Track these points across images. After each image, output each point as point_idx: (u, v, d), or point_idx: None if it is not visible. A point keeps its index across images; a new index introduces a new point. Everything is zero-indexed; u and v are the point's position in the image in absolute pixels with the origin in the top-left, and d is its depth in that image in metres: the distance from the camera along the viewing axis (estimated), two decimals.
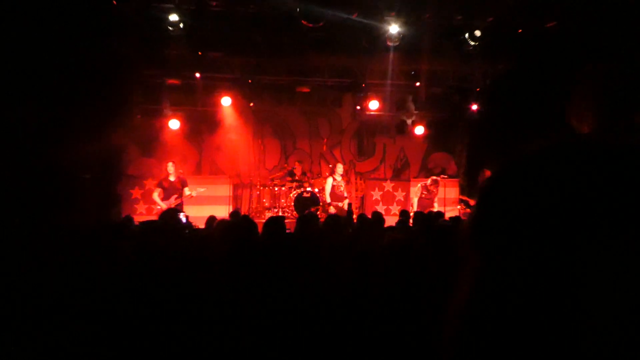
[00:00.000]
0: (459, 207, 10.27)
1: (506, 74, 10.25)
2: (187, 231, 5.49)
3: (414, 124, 11.88)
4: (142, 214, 10.27)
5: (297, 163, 11.36)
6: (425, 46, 9.65)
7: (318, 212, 9.70)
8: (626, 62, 1.53)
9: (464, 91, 11.49)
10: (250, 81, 10.94)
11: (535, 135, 0.61)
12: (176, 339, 2.40)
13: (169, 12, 8.82)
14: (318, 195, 10.66)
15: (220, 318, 2.54)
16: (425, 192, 10.16)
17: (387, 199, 11.78)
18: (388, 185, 11.88)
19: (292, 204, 10.61)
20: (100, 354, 2.34)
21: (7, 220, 5.51)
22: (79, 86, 8.10)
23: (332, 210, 9.90)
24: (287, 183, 11.03)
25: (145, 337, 2.39)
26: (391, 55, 9.91)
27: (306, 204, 10.38)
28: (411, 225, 7.12)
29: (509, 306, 0.50)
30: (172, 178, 9.33)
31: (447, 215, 8.19)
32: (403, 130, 12.17)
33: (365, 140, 12.65)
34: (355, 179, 12.34)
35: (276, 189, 11.16)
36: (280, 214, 10.61)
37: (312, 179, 11.47)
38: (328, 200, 10.21)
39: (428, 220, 6.32)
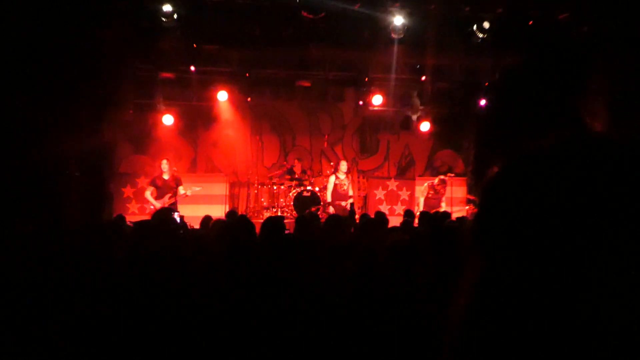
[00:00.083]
0: (467, 207, 10.26)
1: (516, 68, 10.23)
2: (181, 232, 5.50)
3: (419, 119, 11.86)
4: (134, 214, 10.27)
5: (296, 160, 11.36)
6: (431, 38, 9.63)
7: (319, 212, 9.71)
8: None
9: (471, 86, 11.46)
10: (247, 75, 10.92)
11: (547, 131, 0.62)
12: (169, 344, 2.41)
13: (162, 2, 8.81)
14: (319, 194, 10.66)
15: (215, 323, 2.55)
16: (433, 192, 10.15)
17: (391, 198, 11.77)
18: (392, 184, 11.88)
19: (292, 203, 10.62)
20: (93, 358, 2.35)
21: None
22: (67, 80, 8.08)
23: (331, 210, 9.89)
24: (286, 181, 11.03)
25: (137, 343, 2.40)
26: (395, 48, 9.89)
27: (306, 203, 10.38)
28: (416, 226, 7.12)
29: (511, 307, 0.50)
30: (165, 176, 9.33)
31: (454, 215, 8.21)
32: (408, 126, 12.15)
33: (368, 136, 12.65)
34: (358, 178, 12.34)
35: (275, 187, 11.17)
36: (279, 213, 10.62)
37: (313, 177, 11.48)
38: (329, 199, 10.20)
39: (434, 220, 6.33)
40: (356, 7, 8.86)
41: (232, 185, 11.72)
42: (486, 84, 11.31)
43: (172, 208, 8.84)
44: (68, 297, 2.65)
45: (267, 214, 10.76)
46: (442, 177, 10.32)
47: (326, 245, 3.75)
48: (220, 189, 11.06)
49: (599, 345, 0.45)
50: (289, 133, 12.36)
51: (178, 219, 7.07)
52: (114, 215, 9.28)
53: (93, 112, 9.04)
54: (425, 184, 10.34)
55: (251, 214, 11.19)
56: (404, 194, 11.78)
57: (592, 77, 1.60)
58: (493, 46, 9.66)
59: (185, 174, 10.59)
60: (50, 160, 7.78)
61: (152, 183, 9.37)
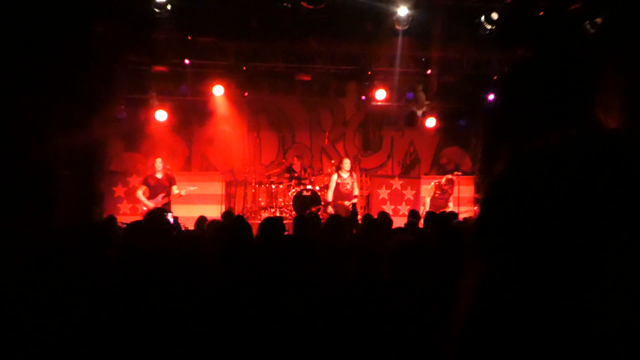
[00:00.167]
0: (475, 207, 10.25)
1: (526, 61, 10.23)
2: (175, 233, 5.50)
3: (424, 115, 11.85)
4: (125, 214, 10.28)
5: (296, 158, 11.36)
6: (437, 30, 9.62)
7: (319, 212, 9.71)
8: None
9: (479, 80, 11.47)
10: (244, 68, 10.93)
11: (557, 128, 0.62)
12: (162, 349, 2.41)
13: None
14: (319, 193, 10.66)
15: (211, 328, 2.55)
16: (439, 192, 10.13)
17: (395, 197, 11.77)
18: (396, 183, 11.87)
19: (291, 203, 10.62)
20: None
21: None
22: (55, 74, 8.08)
23: (330, 210, 9.87)
24: (285, 180, 11.04)
25: (128, 347, 2.40)
26: (400, 40, 9.89)
27: (306, 203, 10.38)
28: (421, 226, 7.13)
29: (514, 310, 0.51)
30: (159, 175, 9.33)
31: (461, 215, 8.21)
32: (413, 122, 12.14)
33: (371, 133, 12.64)
34: (360, 176, 12.34)
35: (273, 186, 11.17)
36: (277, 214, 10.63)
37: (313, 175, 11.48)
38: (330, 199, 10.19)
39: (440, 221, 6.33)
40: None
41: (229, 185, 11.72)
42: (495, 77, 11.31)
43: (166, 208, 8.83)
44: (56, 302, 2.65)
45: (265, 215, 10.76)
46: (449, 176, 10.29)
47: (326, 247, 3.75)
48: (216, 188, 11.06)
49: (602, 346, 0.46)
50: (288, 129, 12.37)
51: (172, 220, 7.07)
52: (105, 215, 9.30)
53: (83, 108, 9.02)
54: (432, 183, 10.31)
55: (248, 214, 11.20)
56: (409, 194, 11.76)
57: (605, 71, 1.60)
58: (502, 38, 9.65)
59: (179, 172, 10.59)
60: (37, 159, 7.77)
61: (145, 182, 9.36)
